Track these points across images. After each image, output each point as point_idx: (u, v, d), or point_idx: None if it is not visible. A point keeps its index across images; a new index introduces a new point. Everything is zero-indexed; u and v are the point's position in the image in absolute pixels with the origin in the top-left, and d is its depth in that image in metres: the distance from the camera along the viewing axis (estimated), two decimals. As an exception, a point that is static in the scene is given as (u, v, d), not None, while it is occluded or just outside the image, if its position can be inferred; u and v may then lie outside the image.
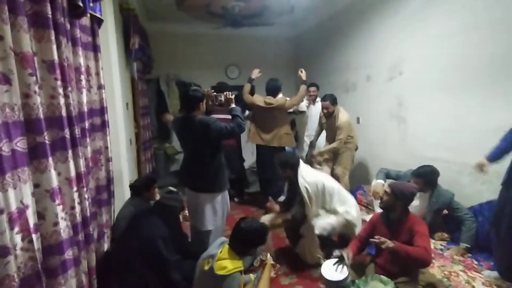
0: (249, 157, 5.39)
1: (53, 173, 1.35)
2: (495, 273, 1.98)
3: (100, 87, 2.18)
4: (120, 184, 2.72)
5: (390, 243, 1.74)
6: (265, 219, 2.54)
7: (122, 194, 2.69)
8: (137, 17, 3.72)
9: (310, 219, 2.41)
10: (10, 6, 1.10)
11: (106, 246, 2.14)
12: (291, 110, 3.90)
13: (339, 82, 4.47)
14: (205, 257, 1.71)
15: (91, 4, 1.79)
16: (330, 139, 3.53)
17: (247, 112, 3.99)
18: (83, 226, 1.67)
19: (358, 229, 2.42)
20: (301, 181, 2.40)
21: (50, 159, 1.33)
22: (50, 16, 1.32)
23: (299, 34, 5.87)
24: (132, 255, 1.85)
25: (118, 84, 2.87)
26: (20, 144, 1.16)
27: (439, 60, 2.83)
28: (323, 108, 3.44)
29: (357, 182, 3.74)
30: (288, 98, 3.61)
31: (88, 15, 1.94)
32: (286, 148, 3.82)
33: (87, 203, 1.71)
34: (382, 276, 1.79)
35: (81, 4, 1.58)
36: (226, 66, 5.92)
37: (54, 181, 1.35)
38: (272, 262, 1.89)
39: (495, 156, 1.98)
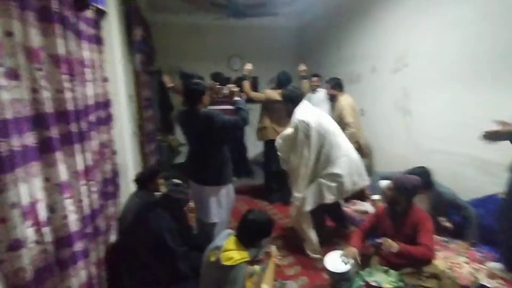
0: (252, 149, 5.41)
1: (62, 167, 1.36)
2: (499, 265, 2.00)
3: (104, 80, 2.18)
4: (125, 176, 2.73)
5: (394, 248, 1.75)
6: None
7: (127, 186, 2.71)
8: (139, 8, 3.68)
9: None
10: (18, 1, 1.09)
11: (113, 238, 2.18)
12: None
13: (343, 74, 4.42)
14: (212, 248, 1.74)
15: (95, -4, 1.78)
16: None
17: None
18: (92, 219, 1.70)
19: (348, 184, 2.44)
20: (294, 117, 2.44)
21: (59, 153, 1.35)
22: (57, 10, 1.31)
23: (303, 24, 5.80)
24: (139, 247, 1.88)
25: (121, 77, 2.86)
26: (30, 138, 1.17)
27: (445, 52, 2.78)
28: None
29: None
30: None
31: (92, 7, 1.93)
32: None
33: (94, 196, 1.73)
34: (386, 268, 1.81)
35: (85, -4, 1.58)
36: (229, 57, 5.87)
37: (63, 175, 1.37)
38: (278, 254, 1.91)
39: None
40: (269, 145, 3.70)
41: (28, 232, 1.13)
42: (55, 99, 1.38)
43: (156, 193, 2.50)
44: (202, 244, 1.94)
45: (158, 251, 1.88)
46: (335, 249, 2.19)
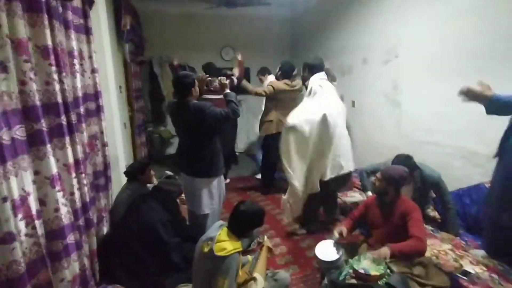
0: (244, 141, 5.42)
1: (52, 160, 1.35)
2: (482, 252, 2.07)
3: (93, 71, 2.15)
4: (116, 168, 2.72)
5: (386, 253, 1.74)
6: None
7: (119, 178, 2.70)
8: (128, -4, 3.60)
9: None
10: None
11: (105, 230, 2.18)
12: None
13: (335, 65, 4.43)
14: (204, 239, 1.76)
15: (82, -15, 1.74)
16: None
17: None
18: (83, 211, 1.70)
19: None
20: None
21: (49, 146, 1.34)
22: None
23: (296, 15, 5.75)
24: (132, 238, 1.89)
25: (111, 67, 2.82)
26: (19, 132, 1.16)
27: (435, 44, 2.82)
28: None
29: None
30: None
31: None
32: None
33: (86, 188, 1.72)
34: (374, 256, 1.85)
35: (72, -15, 1.54)
36: (221, 47, 5.80)
37: (53, 168, 1.36)
38: (270, 244, 1.95)
39: (499, 98, 1.67)
40: (272, 137, 3.58)
41: (20, 225, 1.13)
42: (44, 91, 1.36)
43: (148, 185, 2.50)
44: (195, 235, 1.96)
45: (151, 242, 1.89)
46: (325, 239, 2.24)
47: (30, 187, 1.21)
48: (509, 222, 1.82)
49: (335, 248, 1.96)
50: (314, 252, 2.04)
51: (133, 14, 3.97)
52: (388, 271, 1.76)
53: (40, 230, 1.26)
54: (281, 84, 3.58)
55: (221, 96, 2.34)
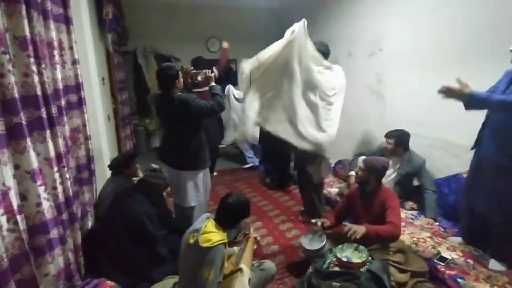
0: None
1: (32, 154, 1.33)
2: (459, 239, 2.18)
3: (74, 62, 2.09)
4: (100, 162, 2.68)
5: (361, 231, 1.79)
6: None
7: (103, 172, 2.66)
8: (110, -16, 3.49)
9: None
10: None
11: (90, 224, 2.16)
12: None
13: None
14: (191, 231, 1.77)
15: (61, -28, 1.68)
16: None
17: None
18: (67, 206, 1.68)
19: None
20: None
21: (28, 139, 1.31)
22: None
23: (282, 5, 5.71)
24: (118, 232, 1.88)
25: (93, 58, 2.75)
26: (-3, 125, 1.13)
27: (415, 38, 2.88)
28: None
29: (337, 157, 3.86)
30: None
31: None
32: None
33: (68, 182, 1.70)
34: (356, 244, 1.92)
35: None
36: (207, 38, 5.73)
37: (34, 162, 1.34)
38: (256, 235, 1.98)
39: (478, 95, 1.72)
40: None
41: (1, 220, 1.12)
42: (23, 83, 1.32)
43: (134, 178, 2.48)
44: (182, 227, 1.97)
45: (137, 235, 1.89)
46: (310, 228, 2.29)
47: (10, 182, 1.18)
48: (481, 210, 1.92)
49: (319, 237, 2.02)
50: (300, 241, 2.09)
51: (115, 3, 3.85)
52: (370, 258, 1.83)
53: (22, 225, 1.24)
54: None
55: (205, 88, 2.33)
